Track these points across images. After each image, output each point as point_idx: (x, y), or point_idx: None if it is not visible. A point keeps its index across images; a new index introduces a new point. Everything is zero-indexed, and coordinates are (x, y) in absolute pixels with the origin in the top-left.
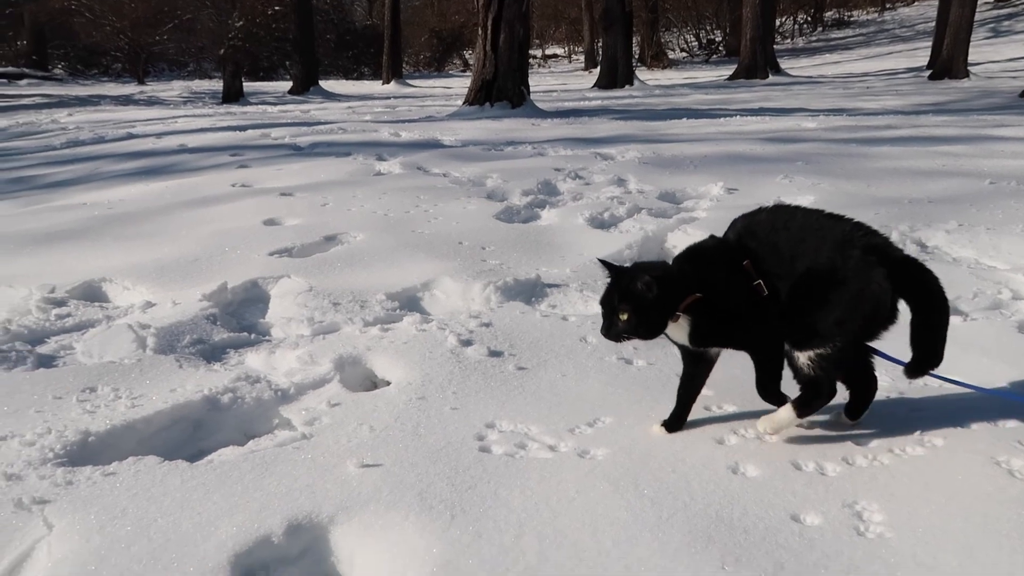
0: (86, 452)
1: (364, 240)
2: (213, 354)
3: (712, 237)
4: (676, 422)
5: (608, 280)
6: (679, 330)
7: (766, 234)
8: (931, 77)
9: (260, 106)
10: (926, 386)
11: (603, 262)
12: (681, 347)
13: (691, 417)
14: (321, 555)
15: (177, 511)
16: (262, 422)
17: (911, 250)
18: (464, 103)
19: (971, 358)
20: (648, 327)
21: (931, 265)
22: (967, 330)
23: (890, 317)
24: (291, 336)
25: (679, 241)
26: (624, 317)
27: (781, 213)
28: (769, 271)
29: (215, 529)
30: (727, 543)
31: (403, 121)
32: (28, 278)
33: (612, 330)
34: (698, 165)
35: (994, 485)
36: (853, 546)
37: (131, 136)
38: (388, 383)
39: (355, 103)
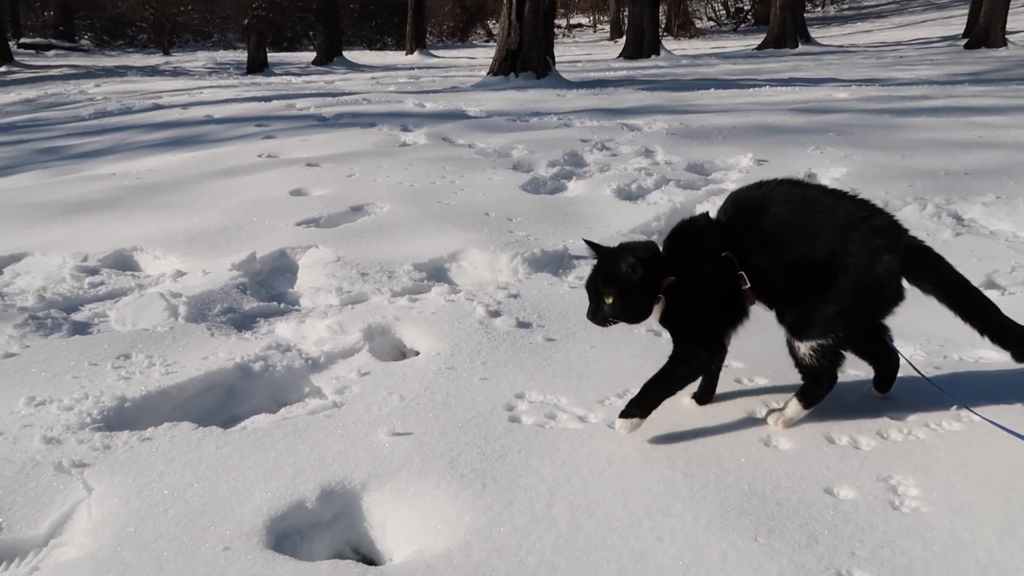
0: (123, 417)
1: (390, 211)
2: (243, 323)
3: (705, 216)
4: (704, 395)
5: (594, 262)
6: (656, 311)
7: (760, 218)
8: (967, 46)
9: (284, 77)
10: (961, 360)
11: (589, 243)
12: None
13: (722, 390)
14: (354, 521)
15: (213, 476)
16: (293, 390)
17: (947, 223)
18: (488, 73)
19: None
20: (634, 310)
21: (968, 239)
22: (1005, 304)
23: (896, 298)
24: (320, 306)
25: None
26: (609, 301)
27: (780, 192)
28: (758, 265)
29: (250, 494)
30: (760, 515)
31: (427, 92)
32: (61, 247)
33: (598, 314)
34: (727, 136)
35: None
36: (888, 520)
37: (157, 107)
38: (417, 353)
39: (379, 74)
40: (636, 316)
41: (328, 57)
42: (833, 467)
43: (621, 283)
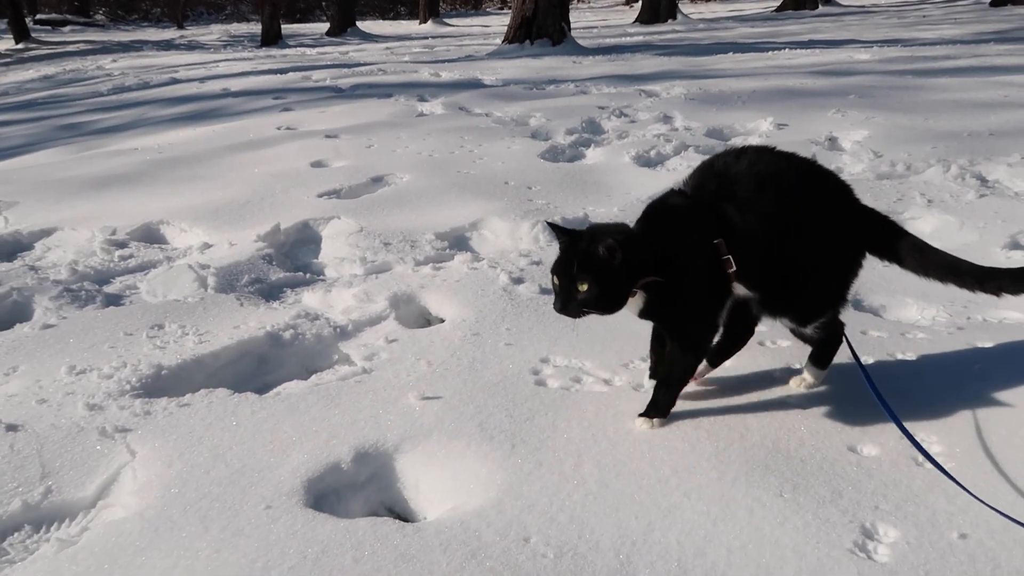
0: (160, 384)
1: (411, 181)
2: (271, 293)
3: (680, 194)
4: (715, 356)
5: (561, 246)
6: (632, 304)
7: (747, 197)
8: (992, 4)
9: (299, 48)
10: (985, 321)
11: (553, 226)
12: None
13: (745, 352)
14: (387, 482)
15: (250, 439)
16: (323, 358)
17: (971, 185)
18: (503, 41)
19: None
20: (611, 299)
21: (992, 200)
22: None
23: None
24: (345, 275)
25: None
26: (584, 288)
27: (760, 166)
28: (748, 250)
29: (287, 456)
30: (784, 472)
31: (442, 61)
32: (89, 221)
33: (570, 305)
34: (746, 100)
35: None
36: (911, 476)
37: (175, 81)
38: (442, 320)
39: (393, 43)
40: (612, 305)
41: (342, 28)
42: (856, 426)
43: (599, 268)
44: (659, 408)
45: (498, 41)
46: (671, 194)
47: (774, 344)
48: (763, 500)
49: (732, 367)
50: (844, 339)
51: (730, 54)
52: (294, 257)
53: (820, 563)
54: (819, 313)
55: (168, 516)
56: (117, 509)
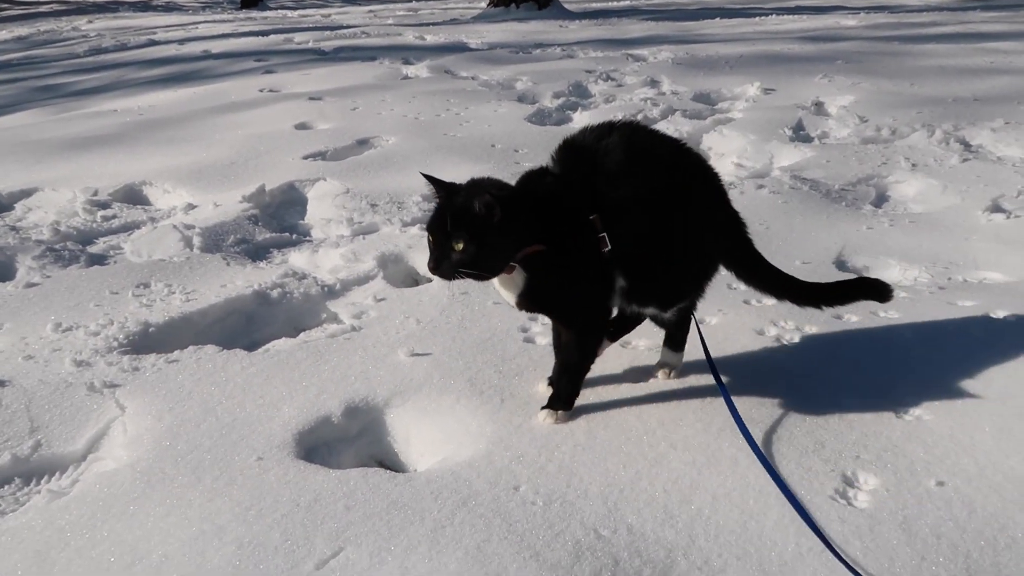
0: (148, 341)
1: (397, 143)
2: (258, 253)
3: (547, 172)
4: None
5: (437, 201)
6: (510, 284)
7: (619, 172)
8: None
9: (280, 11)
10: (965, 282)
11: (429, 177)
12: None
13: (730, 310)
14: (378, 435)
15: (240, 394)
16: (311, 316)
17: (954, 149)
18: (489, 4)
19: (1014, 255)
20: (490, 260)
21: (975, 164)
22: (1010, 227)
23: None
24: (332, 236)
25: (716, 143)
26: (460, 247)
27: (632, 139)
28: (620, 230)
29: (278, 411)
30: (768, 423)
31: (427, 24)
32: (70, 182)
33: (443, 264)
34: (733, 65)
35: None
36: (892, 427)
37: (153, 43)
38: (430, 280)
39: (376, 6)
40: (491, 268)
41: None
42: (838, 381)
43: (477, 226)
44: (563, 400)
45: (483, 5)
46: (539, 171)
47: (759, 302)
48: (747, 450)
49: (718, 324)
50: (692, 318)
51: (717, 19)
52: (280, 218)
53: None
54: (684, 295)
55: (160, 467)
56: (108, 462)
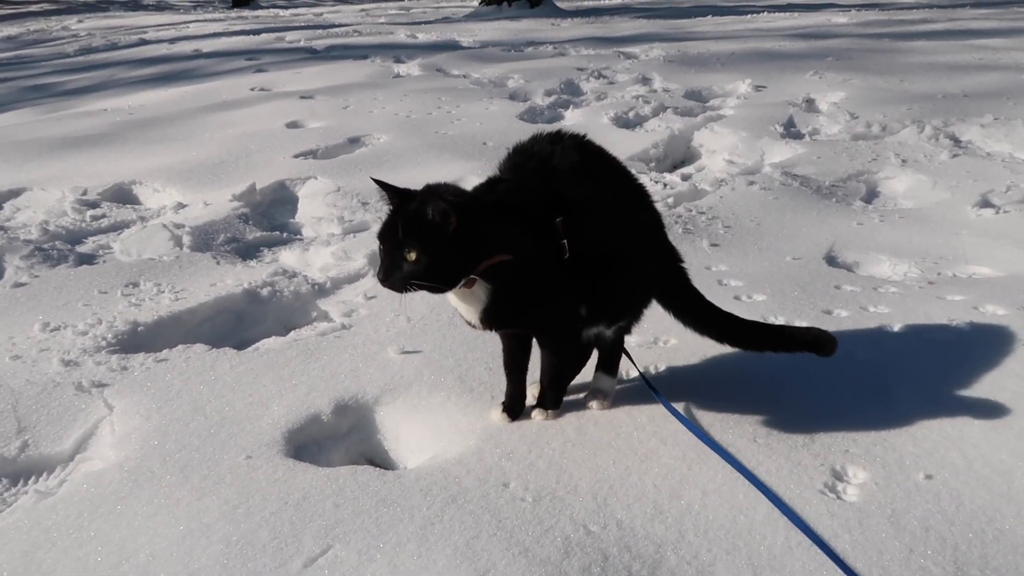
0: (137, 340)
1: (388, 142)
2: (248, 252)
3: (501, 180)
4: (516, 404)
5: (389, 208)
6: (471, 299)
7: (575, 175)
8: None
9: (271, 9)
10: (955, 276)
11: (380, 183)
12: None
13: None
14: (368, 433)
15: (229, 393)
16: (301, 314)
17: (944, 145)
18: (480, 3)
19: (1003, 249)
20: (446, 272)
21: (964, 160)
22: (1000, 222)
23: None
24: (322, 234)
25: (707, 140)
26: (412, 257)
27: (585, 146)
28: (583, 235)
29: (267, 409)
30: (757, 419)
31: (419, 23)
32: (59, 181)
33: (393, 274)
34: (725, 62)
35: (1023, 366)
36: (881, 421)
37: (144, 42)
38: None
39: (368, 5)
40: (446, 280)
41: None
42: (827, 375)
43: (429, 235)
44: (550, 401)
45: (475, 3)
46: (492, 179)
47: (749, 299)
48: (737, 445)
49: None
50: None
51: (709, 17)
52: (271, 217)
53: (792, 503)
54: (631, 309)
55: (148, 467)
56: (96, 461)
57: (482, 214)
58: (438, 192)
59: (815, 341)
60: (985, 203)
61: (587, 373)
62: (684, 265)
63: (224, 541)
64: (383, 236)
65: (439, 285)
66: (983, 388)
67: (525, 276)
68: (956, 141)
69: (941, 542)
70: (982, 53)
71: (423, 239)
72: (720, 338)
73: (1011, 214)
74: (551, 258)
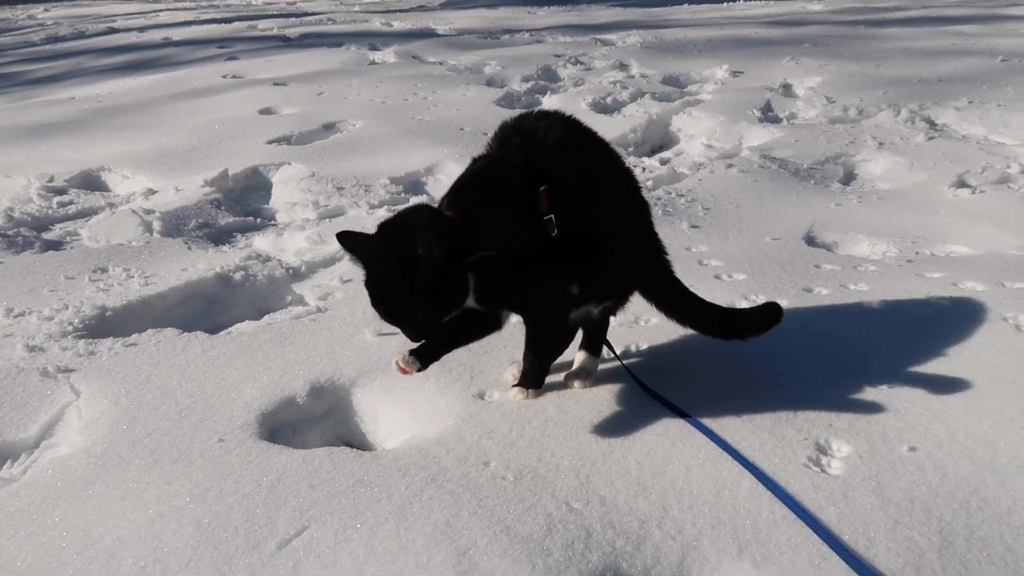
0: (105, 325)
1: (364, 127)
2: (220, 237)
3: (487, 160)
4: (427, 357)
5: (361, 269)
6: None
7: (562, 149)
8: None
9: None
10: (932, 255)
11: (344, 238)
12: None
13: (703, 286)
14: (344, 415)
15: (201, 377)
16: (275, 299)
17: (920, 128)
18: None
19: (980, 228)
20: (449, 299)
21: (940, 142)
22: (975, 202)
23: None
24: (297, 220)
25: (685, 124)
26: (420, 303)
27: (572, 123)
28: (569, 206)
29: (240, 392)
30: (739, 398)
31: (394, 11)
32: (25, 168)
33: (413, 328)
34: (702, 49)
35: (1002, 339)
36: (864, 395)
37: (112, 31)
38: None
39: None
40: (453, 305)
41: None
42: (810, 351)
43: (425, 275)
44: (532, 380)
45: None
46: (475, 160)
47: (729, 278)
48: (721, 422)
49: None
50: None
51: (686, 4)
52: (244, 202)
53: (776, 477)
54: (621, 288)
55: (116, 451)
56: (62, 447)
57: (453, 229)
58: (407, 224)
59: (775, 311)
60: (961, 184)
61: (569, 354)
62: (669, 258)
63: (194, 524)
64: (378, 302)
65: (447, 310)
66: (963, 361)
67: (509, 264)
68: (932, 124)
69: (926, 513)
70: (955, 39)
71: (421, 282)
72: (705, 329)
73: (987, 194)
74: (535, 241)
